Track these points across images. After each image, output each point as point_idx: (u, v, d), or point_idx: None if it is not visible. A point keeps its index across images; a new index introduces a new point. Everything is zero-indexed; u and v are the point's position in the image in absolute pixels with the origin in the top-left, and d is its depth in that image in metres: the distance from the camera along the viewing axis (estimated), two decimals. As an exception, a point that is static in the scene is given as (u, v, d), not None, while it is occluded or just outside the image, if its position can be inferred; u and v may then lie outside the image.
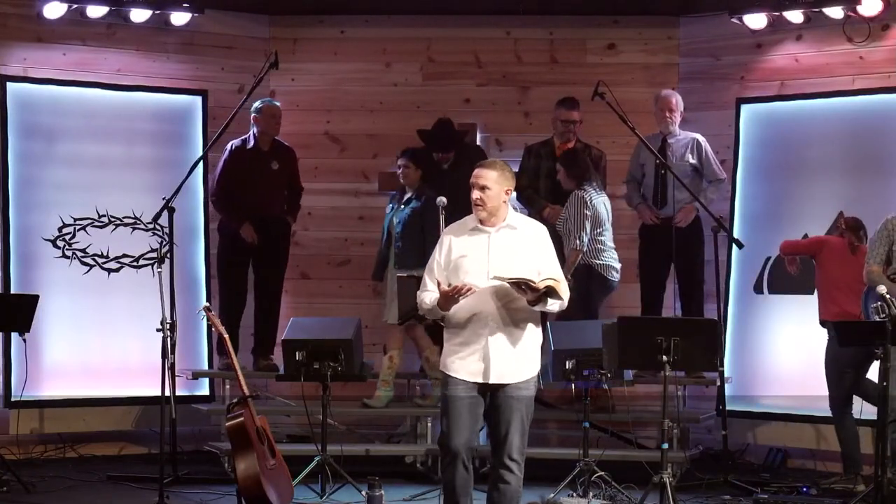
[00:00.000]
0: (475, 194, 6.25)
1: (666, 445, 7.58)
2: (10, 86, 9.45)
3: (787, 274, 9.04)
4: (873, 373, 7.78)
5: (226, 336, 7.73)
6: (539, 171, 9.48)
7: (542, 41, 10.32)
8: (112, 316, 9.63)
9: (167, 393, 7.91)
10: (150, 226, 9.58)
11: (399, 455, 8.98)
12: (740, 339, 9.69)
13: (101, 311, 9.64)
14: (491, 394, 6.21)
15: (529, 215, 8.23)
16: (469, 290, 6.08)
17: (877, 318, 7.32)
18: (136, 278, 9.70)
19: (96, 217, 9.72)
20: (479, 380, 6.18)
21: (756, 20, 9.67)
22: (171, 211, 8.35)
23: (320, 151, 10.33)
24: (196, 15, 9.84)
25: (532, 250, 6.27)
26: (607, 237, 9.01)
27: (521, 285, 6.08)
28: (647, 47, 10.24)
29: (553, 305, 6.19)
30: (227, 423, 7.39)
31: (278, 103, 9.58)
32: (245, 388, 7.50)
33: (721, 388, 9.10)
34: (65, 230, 9.63)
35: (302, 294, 10.19)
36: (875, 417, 7.53)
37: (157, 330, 7.87)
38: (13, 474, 8.16)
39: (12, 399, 9.16)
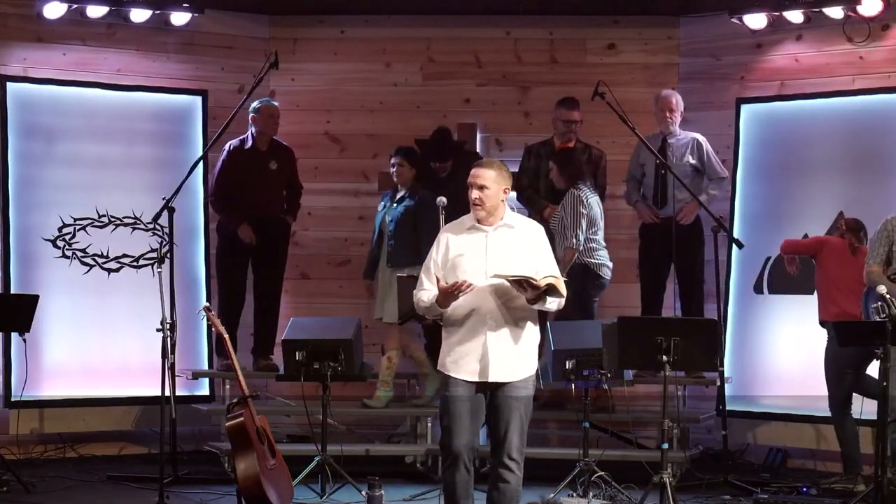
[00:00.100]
0: (474, 194, 6.25)
1: (666, 445, 7.58)
2: (10, 86, 9.45)
3: (787, 274, 9.04)
4: (873, 369, 7.80)
5: (226, 336, 7.73)
6: (539, 171, 9.48)
7: (542, 41, 10.32)
8: (112, 316, 9.63)
9: (167, 393, 7.91)
10: (150, 226, 9.58)
11: (399, 455, 8.98)
12: (740, 339, 9.69)
13: (101, 311, 9.64)
14: (490, 393, 6.22)
15: (529, 216, 8.24)
16: (469, 286, 6.08)
17: (877, 319, 7.32)
18: (136, 278, 9.70)
19: (96, 217, 9.72)
20: (479, 379, 6.18)
21: (756, 20, 9.67)
22: (171, 211, 8.35)
23: (320, 151, 10.33)
24: (196, 15, 9.84)
25: (530, 249, 6.28)
26: (600, 236, 9.04)
27: (523, 283, 6.08)
28: (647, 47, 10.24)
29: (551, 304, 6.19)
30: (227, 423, 7.39)
31: (276, 103, 9.58)
32: (245, 388, 7.50)
33: (721, 388, 9.10)
34: (65, 230, 9.63)
35: (302, 294, 10.19)
36: (875, 417, 7.53)
37: (157, 330, 7.87)
38: (13, 474, 8.16)
39: (12, 399, 9.16)
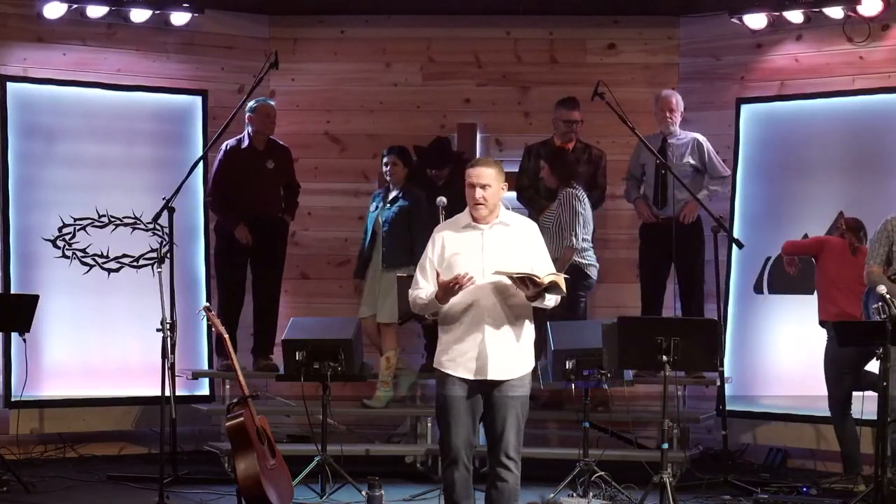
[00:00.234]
0: (478, 193, 6.23)
1: (666, 445, 7.58)
2: (10, 86, 9.45)
3: (786, 274, 9.04)
4: (872, 366, 7.80)
5: (226, 336, 7.73)
6: (539, 171, 9.47)
7: (542, 41, 10.32)
8: (112, 316, 9.63)
9: (167, 393, 7.91)
10: (150, 226, 9.58)
11: (399, 455, 8.98)
12: (740, 339, 9.68)
13: (101, 311, 9.64)
14: (487, 392, 6.21)
15: (529, 215, 8.25)
16: (469, 279, 6.07)
17: (878, 319, 7.32)
18: (136, 278, 9.69)
19: (96, 217, 9.72)
20: (477, 376, 6.17)
21: (756, 20, 9.67)
22: (171, 211, 8.35)
23: (320, 151, 10.33)
24: (196, 15, 9.84)
25: (525, 247, 6.28)
26: (590, 237, 9.07)
27: (525, 280, 6.08)
28: (647, 47, 10.23)
29: (550, 301, 6.19)
30: (227, 423, 7.39)
31: (272, 102, 9.59)
32: (245, 388, 7.50)
33: (721, 388, 9.10)
34: (65, 230, 9.63)
35: (301, 294, 10.19)
36: (875, 417, 7.53)
37: (157, 330, 7.88)
38: (13, 474, 8.16)
39: (12, 399, 9.16)
